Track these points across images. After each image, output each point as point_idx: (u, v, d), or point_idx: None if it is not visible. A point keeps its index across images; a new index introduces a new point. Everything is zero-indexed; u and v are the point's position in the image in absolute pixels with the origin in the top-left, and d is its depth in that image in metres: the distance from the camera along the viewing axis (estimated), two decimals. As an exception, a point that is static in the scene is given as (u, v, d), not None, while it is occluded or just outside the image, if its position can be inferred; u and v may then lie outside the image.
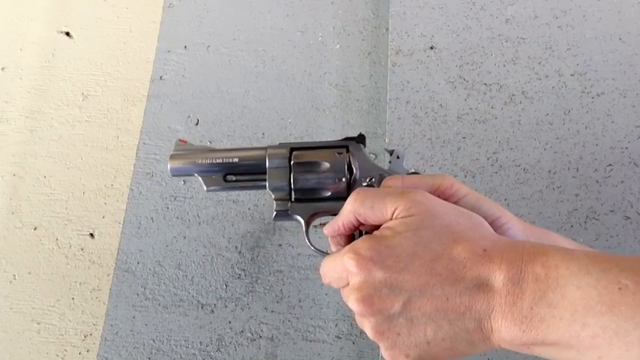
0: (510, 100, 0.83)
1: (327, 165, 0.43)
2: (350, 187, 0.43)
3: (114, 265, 0.86)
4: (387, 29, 0.95)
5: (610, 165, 0.77)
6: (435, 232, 0.35)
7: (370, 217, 0.39)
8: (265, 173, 0.44)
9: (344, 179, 0.43)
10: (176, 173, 0.47)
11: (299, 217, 0.44)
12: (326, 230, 0.42)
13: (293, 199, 0.44)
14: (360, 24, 1.01)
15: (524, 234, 0.41)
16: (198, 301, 0.84)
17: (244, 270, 0.86)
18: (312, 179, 0.43)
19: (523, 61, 0.85)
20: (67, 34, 1.16)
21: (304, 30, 1.02)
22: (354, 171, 0.44)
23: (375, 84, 0.97)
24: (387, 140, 0.85)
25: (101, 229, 1.01)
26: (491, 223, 0.40)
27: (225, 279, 0.85)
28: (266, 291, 0.84)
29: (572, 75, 0.83)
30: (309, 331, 0.82)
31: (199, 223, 0.89)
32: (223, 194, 0.90)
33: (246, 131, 0.96)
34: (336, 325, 0.81)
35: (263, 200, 0.89)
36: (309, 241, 0.45)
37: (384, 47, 0.97)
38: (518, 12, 0.88)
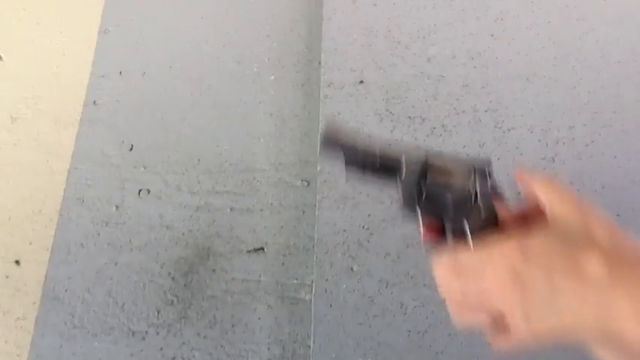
0: (432, 132, 0.90)
1: (458, 178, 0.46)
2: (473, 203, 0.46)
3: (40, 292, 0.84)
4: (320, 63, 0.99)
5: (519, 195, 0.85)
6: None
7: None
8: (400, 171, 0.47)
9: (470, 195, 0.46)
10: (328, 148, 0.48)
11: (421, 219, 0.47)
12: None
13: (420, 204, 0.47)
14: (294, 57, 1.06)
15: None
16: (129, 328, 0.83)
17: (177, 296, 0.86)
18: (442, 189, 0.46)
19: (443, 97, 0.92)
20: (-4, 54, 1.14)
21: (240, 60, 1.05)
22: (478, 189, 0.47)
23: (308, 114, 1.01)
24: (319, 168, 0.89)
25: (27, 255, 0.98)
26: None
27: (158, 305, 0.85)
28: (199, 317, 0.85)
29: (485, 111, 0.90)
30: (241, 356, 0.83)
31: (131, 249, 0.89)
32: (156, 220, 0.90)
33: (181, 157, 0.97)
34: (268, 349, 0.83)
35: (197, 226, 0.90)
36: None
37: (316, 80, 1.02)
38: (439, 52, 0.96)
